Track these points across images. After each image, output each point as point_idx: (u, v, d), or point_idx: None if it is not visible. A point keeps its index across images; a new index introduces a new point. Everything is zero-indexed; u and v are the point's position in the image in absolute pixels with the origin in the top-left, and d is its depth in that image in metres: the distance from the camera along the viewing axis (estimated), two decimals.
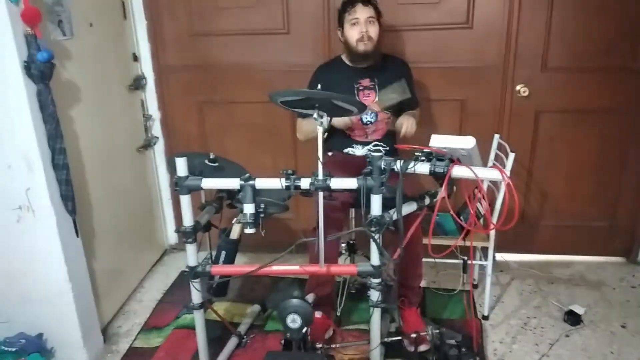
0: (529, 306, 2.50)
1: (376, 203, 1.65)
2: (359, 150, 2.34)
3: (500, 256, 2.89)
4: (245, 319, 2.35)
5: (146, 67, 2.80)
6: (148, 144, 2.87)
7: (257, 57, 2.74)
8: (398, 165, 1.60)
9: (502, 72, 2.60)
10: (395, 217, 1.67)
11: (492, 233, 2.27)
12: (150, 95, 2.86)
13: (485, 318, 2.40)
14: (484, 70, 2.62)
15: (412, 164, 1.59)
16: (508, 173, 2.16)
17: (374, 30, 2.21)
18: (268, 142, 2.87)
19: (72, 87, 2.16)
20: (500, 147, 2.42)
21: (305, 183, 1.65)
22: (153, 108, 2.88)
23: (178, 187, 1.70)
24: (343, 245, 2.54)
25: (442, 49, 2.62)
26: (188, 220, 1.76)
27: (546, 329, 2.33)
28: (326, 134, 1.66)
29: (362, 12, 2.19)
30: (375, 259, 1.73)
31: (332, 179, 1.65)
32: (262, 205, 1.71)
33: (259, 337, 2.27)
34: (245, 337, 2.22)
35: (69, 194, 1.98)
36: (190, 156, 1.82)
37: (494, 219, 2.17)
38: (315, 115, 1.60)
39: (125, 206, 2.66)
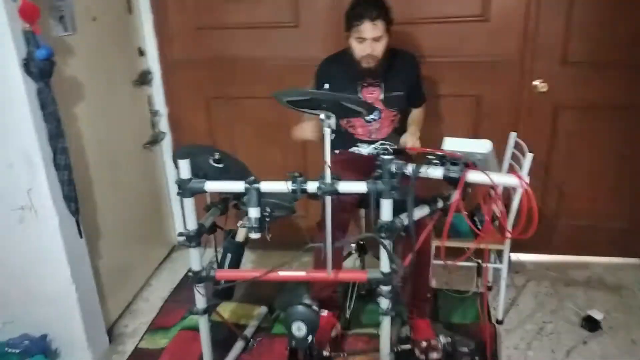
0: (545, 310, 2.41)
1: (387, 208, 1.58)
2: (364, 149, 2.26)
3: (515, 256, 2.80)
4: (252, 321, 2.30)
5: (152, 61, 2.74)
6: (155, 140, 2.82)
7: (265, 52, 2.67)
8: (410, 169, 1.53)
9: (520, 67, 2.50)
10: (406, 222, 1.60)
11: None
12: (157, 90, 2.80)
13: (500, 322, 2.32)
14: (500, 65, 2.52)
15: (424, 168, 1.51)
16: (525, 175, 2.07)
17: (379, 48, 2.07)
18: (277, 138, 2.79)
19: (75, 84, 2.11)
20: (517, 145, 2.33)
21: (312, 187, 1.59)
22: (160, 103, 2.83)
23: (181, 190, 1.65)
24: (353, 245, 2.47)
25: (457, 42, 2.52)
26: (192, 224, 1.71)
27: (563, 334, 2.25)
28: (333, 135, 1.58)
29: (369, 31, 2.02)
30: (385, 265, 1.66)
31: (340, 183, 1.58)
32: (268, 209, 1.66)
33: (266, 340, 2.22)
34: (251, 340, 2.17)
35: (72, 195, 1.94)
36: (193, 153, 1.77)
37: (510, 224, 2.09)
38: (322, 116, 1.53)
39: (132, 203, 2.62)
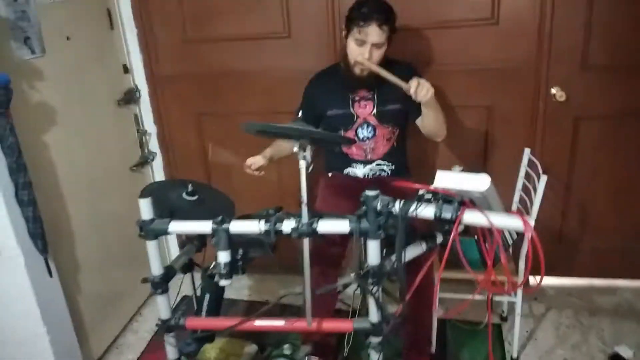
0: (567, 345, 2.17)
1: (373, 250, 1.38)
2: (360, 170, 2.06)
3: (533, 280, 2.55)
4: None
5: (139, 78, 2.58)
6: (144, 161, 2.67)
7: (257, 64, 2.48)
8: (397, 207, 1.32)
9: (535, 73, 2.25)
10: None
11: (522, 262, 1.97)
12: (145, 108, 2.64)
13: None
14: (513, 72, 2.27)
15: (413, 207, 1.30)
16: (539, 198, 1.84)
17: (378, 56, 1.88)
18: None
19: (46, 110, 1.96)
20: (531, 163, 2.09)
21: (287, 227, 1.39)
22: (148, 122, 2.67)
23: (143, 232, 1.47)
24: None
25: (464, 48, 2.28)
26: (157, 269, 1.54)
27: None
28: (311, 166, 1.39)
29: (373, 36, 1.83)
30: (374, 314, 1.46)
31: (320, 222, 1.38)
32: (241, 250, 1.47)
33: None
34: None
35: (38, 232, 1.78)
36: (165, 189, 1.60)
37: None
38: (295, 148, 1.34)
39: (119, 230, 2.46)
